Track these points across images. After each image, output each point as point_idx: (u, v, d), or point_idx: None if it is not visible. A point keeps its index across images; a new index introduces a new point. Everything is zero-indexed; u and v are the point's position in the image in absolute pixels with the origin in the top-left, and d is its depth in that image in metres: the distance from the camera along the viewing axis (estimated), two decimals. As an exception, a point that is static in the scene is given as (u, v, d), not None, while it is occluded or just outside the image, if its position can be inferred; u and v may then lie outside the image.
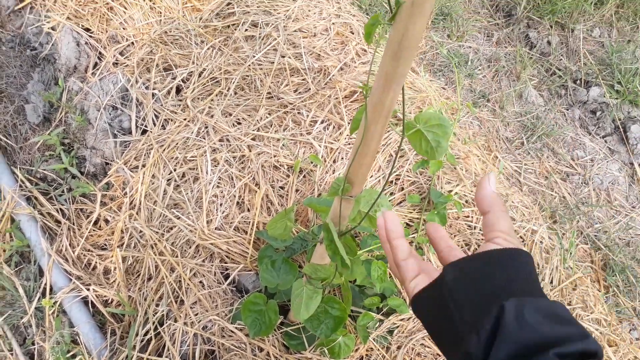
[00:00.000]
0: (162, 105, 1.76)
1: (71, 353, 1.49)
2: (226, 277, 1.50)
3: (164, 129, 1.74)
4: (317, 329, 1.20)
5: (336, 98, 1.83)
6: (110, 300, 1.59)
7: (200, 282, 1.46)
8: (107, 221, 1.70)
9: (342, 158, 1.71)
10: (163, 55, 1.83)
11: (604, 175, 2.41)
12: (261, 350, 1.36)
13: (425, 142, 0.83)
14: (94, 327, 1.51)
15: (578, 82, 2.70)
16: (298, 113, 1.79)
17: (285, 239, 1.46)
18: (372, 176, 1.69)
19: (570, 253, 1.90)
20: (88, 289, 1.55)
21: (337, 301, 1.17)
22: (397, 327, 1.44)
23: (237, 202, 1.59)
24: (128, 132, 1.76)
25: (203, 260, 1.49)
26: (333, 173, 1.69)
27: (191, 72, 1.83)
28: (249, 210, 1.59)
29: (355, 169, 0.92)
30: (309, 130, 1.74)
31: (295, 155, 1.68)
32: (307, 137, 1.72)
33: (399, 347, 1.41)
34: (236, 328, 1.38)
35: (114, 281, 1.60)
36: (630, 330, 1.92)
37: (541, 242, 1.66)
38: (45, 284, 1.57)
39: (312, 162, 1.67)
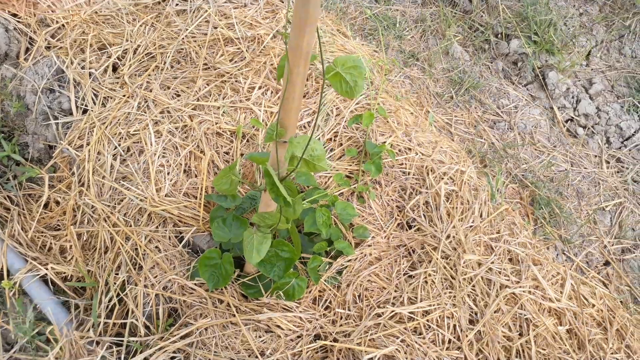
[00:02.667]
0: (100, 83, 1.79)
1: (36, 330, 1.54)
2: (181, 240, 1.57)
3: (105, 106, 1.77)
4: (270, 272, 1.31)
5: (271, 64, 1.91)
6: (69, 276, 1.64)
7: (156, 247, 1.53)
8: (57, 202, 1.73)
9: (282, 120, 1.80)
10: (96, 35, 1.85)
11: (527, 120, 2.61)
12: (221, 302, 1.45)
13: (345, 83, 0.94)
14: (56, 303, 1.56)
15: (499, 35, 2.87)
16: (236, 81, 1.86)
17: (233, 195, 1.55)
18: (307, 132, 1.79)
19: (498, 191, 2.08)
20: (46, 268, 1.59)
21: (286, 244, 1.28)
22: (345, 267, 1.57)
23: (184, 170, 1.65)
24: (69, 113, 1.78)
25: (156, 227, 1.56)
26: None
27: (126, 49, 1.86)
28: (196, 176, 1.66)
29: (286, 113, 1.01)
30: (247, 97, 1.82)
31: (236, 121, 1.76)
32: (247, 103, 1.80)
33: (348, 285, 1.54)
34: (195, 284, 1.46)
35: (71, 258, 1.64)
36: (557, 255, 2.14)
37: (469, 181, 1.82)
38: (2, 268, 1.60)
39: (253, 127, 1.75)
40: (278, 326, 1.43)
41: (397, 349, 1.38)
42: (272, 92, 1.86)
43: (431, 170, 1.77)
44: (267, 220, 1.24)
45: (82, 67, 1.80)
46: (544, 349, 1.51)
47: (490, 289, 1.56)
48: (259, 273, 1.49)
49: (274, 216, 1.23)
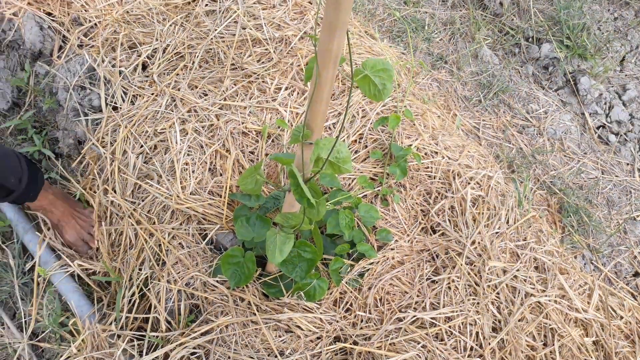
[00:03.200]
0: (129, 82, 1.82)
1: (60, 320, 1.57)
2: (204, 237, 1.58)
3: (133, 104, 1.80)
4: (292, 272, 1.31)
5: (298, 65, 1.92)
6: (95, 272, 1.67)
7: (179, 243, 1.54)
8: (86, 201, 1.77)
9: (307, 121, 1.80)
10: (127, 34, 1.88)
11: (557, 125, 2.56)
12: (242, 300, 1.46)
13: (373, 85, 0.93)
14: (82, 295, 1.59)
15: (530, 39, 2.82)
16: (262, 82, 1.86)
17: (257, 195, 1.56)
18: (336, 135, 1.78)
19: (526, 197, 2.04)
20: (74, 264, 1.62)
21: (309, 245, 1.28)
22: (367, 270, 1.56)
23: (209, 168, 1.67)
24: (98, 110, 1.82)
25: (180, 224, 1.57)
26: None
27: (155, 48, 1.89)
28: (221, 174, 1.67)
29: (313, 116, 1.01)
30: (274, 97, 1.82)
31: (262, 121, 1.76)
32: (273, 103, 1.80)
33: (369, 288, 1.53)
34: (217, 282, 1.47)
35: (98, 254, 1.67)
36: (585, 264, 2.08)
37: (496, 187, 1.79)
38: (34, 261, 1.64)
39: (279, 127, 1.76)
40: (298, 326, 1.43)
41: (417, 355, 1.37)
42: (298, 93, 1.86)
43: (458, 175, 1.74)
44: (290, 220, 1.24)
45: (113, 66, 1.83)
46: (570, 361, 1.48)
47: (515, 297, 1.53)
48: (281, 273, 1.49)
49: (298, 217, 1.23)
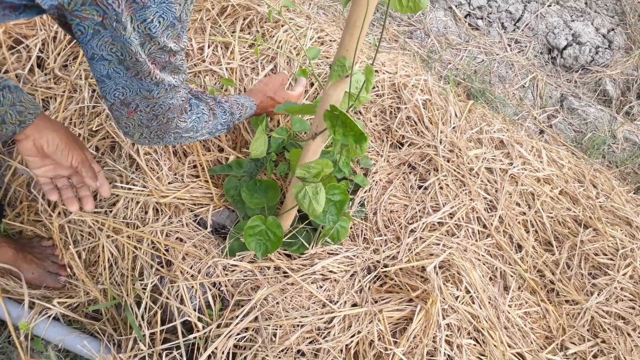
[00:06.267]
0: (32, 85, 1.53)
1: (72, 368, 1.37)
2: (199, 224, 1.47)
3: (48, 109, 1.53)
4: (324, 220, 1.29)
5: (208, 19, 1.77)
6: (79, 304, 1.46)
7: (178, 238, 1.41)
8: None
9: (246, 75, 1.70)
10: (4, 30, 1.55)
11: (438, 23, 2.74)
12: (268, 268, 1.40)
13: (407, -5, 0.91)
14: (82, 335, 1.39)
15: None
16: (180, 46, 1.70)
17: (238, 162, 1.48)
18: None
19: (455, 91, 2.20)
20: (53, 304, 1.40)
21: (337, 186, 1.26)
22: (365, 198, 1.59)
23: (173, 152, 1.51)
24: (4, 128, 1.51)
25: (169, 218, 1.43)
26: (246, 90, 1.68)
27: (44, 39, 1.60)
28: (185, 155, 1.53)
29: (352, 44, 0.96)
30: (202, 58, 1.68)
31: (203, 85, 1.63)
32: (204, 65, 1.66)
33: (374, 213, 1.57)
34: (235, 261, 1.39)
35: (75, 285, 1.46)
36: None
37: (434, 87, 1.90)
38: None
39: (223, 86, 1.64)
40: (331, 271, 1.43)
41: (448, 256, 1.46)
42: (221, 48, 1.74)
43: (404, 86, 1.81)
44: (312, 170, 1.20)
45: (6, 72, 1.51)
46: (551, 212, 1.70)
47: (495, 177, 1.69)
48: (294, 230, 1.45)
49: (320, 163, 1.19)
